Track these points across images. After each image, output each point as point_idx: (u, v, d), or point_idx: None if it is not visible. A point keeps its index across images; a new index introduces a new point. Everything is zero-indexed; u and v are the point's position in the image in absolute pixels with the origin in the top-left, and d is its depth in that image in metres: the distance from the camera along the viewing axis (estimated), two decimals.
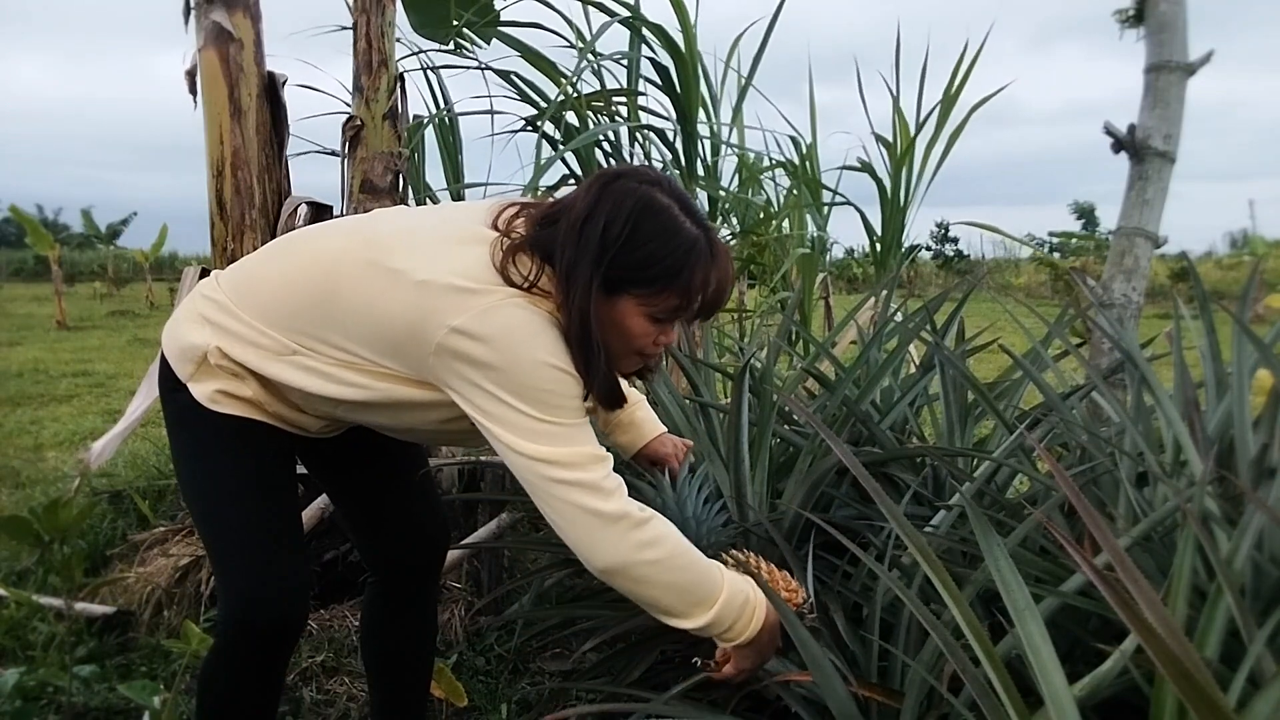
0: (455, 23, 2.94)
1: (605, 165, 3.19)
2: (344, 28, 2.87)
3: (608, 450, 1.18)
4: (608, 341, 1.17)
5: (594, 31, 2.87)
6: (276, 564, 1.28)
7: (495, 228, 1.20)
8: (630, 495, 1.18)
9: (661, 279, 1.16)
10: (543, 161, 2.71)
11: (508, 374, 1.11)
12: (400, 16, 2.93)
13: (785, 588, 1.33)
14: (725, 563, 1.36)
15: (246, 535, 1.28)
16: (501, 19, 2.97)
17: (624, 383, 1.42)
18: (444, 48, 3.12)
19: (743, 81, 3.31)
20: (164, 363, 1.30)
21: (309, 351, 1.21)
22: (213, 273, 1.35)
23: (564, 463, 1.12)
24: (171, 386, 1.28)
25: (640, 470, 1.56)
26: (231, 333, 1.23)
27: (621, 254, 1.14)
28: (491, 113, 3.01)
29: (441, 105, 3.30)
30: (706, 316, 1.29)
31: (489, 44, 3.08)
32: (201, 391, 1.24)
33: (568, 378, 1.14)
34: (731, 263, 1.24)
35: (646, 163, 3.13)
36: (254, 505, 1.29)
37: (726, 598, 1.18)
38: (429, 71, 3.19)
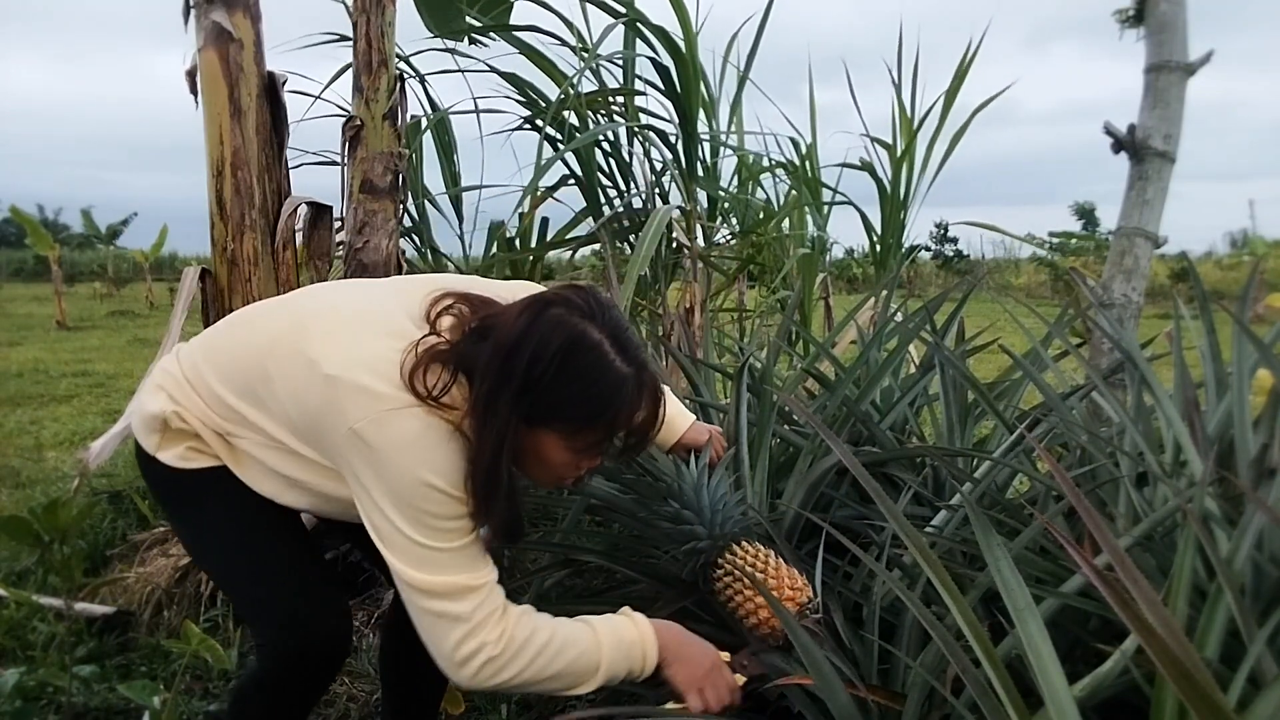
0: (473, 21, 2.94)
1: (605, 166, 3.19)
2: (342, 37, 2.88)
3: (493, 565, 1.18)
4: (525, 467, 1.16)
5: (592, 31, 2.88)
6: (310, 590, 1.28)
7: (426, 319, 1.17)
8: (646, 479, 1.17)
9: (582, 419, 1.12)
10: (543, 162, 2.71)
11: (391, 489, 1.10)
12: (410, 21, 2.94)
13: (791, 586, 1.33)
14: (735, 556, 1.37)
15: (270, 572, 1.28)
16: (508, 19, 2.98)
17: None
18: (447, 49, 3.12)
19: (739, 79, 3.31)
20: (136, 443, 1.31)
21: (242, 434, 1.23)
22: (175, 347, 1.36)
23: (432, 592, 1.11)
24: (146, 461, 1.29)
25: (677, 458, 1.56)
26: (184, 407, 1.25)
27: (545, 393, 1.09)
28: (479, 112, 3.02)
29: (440, 106, 3.30)
30: (632, 454, 1.27)
31: (497, 40, 3.08)
32: (172, 455, 1.25)
33: (451, 501, 1.11)
34: (661, 400, 1.21)
35: (646, 162, 3.13)
36: (267, 541, 1.29)
37: (609, 663, 1.19)
38: (420, 76, 3.19)
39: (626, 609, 1.28)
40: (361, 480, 1.12)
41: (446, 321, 1.17)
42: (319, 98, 2.93)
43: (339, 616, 1.29)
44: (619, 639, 1.21)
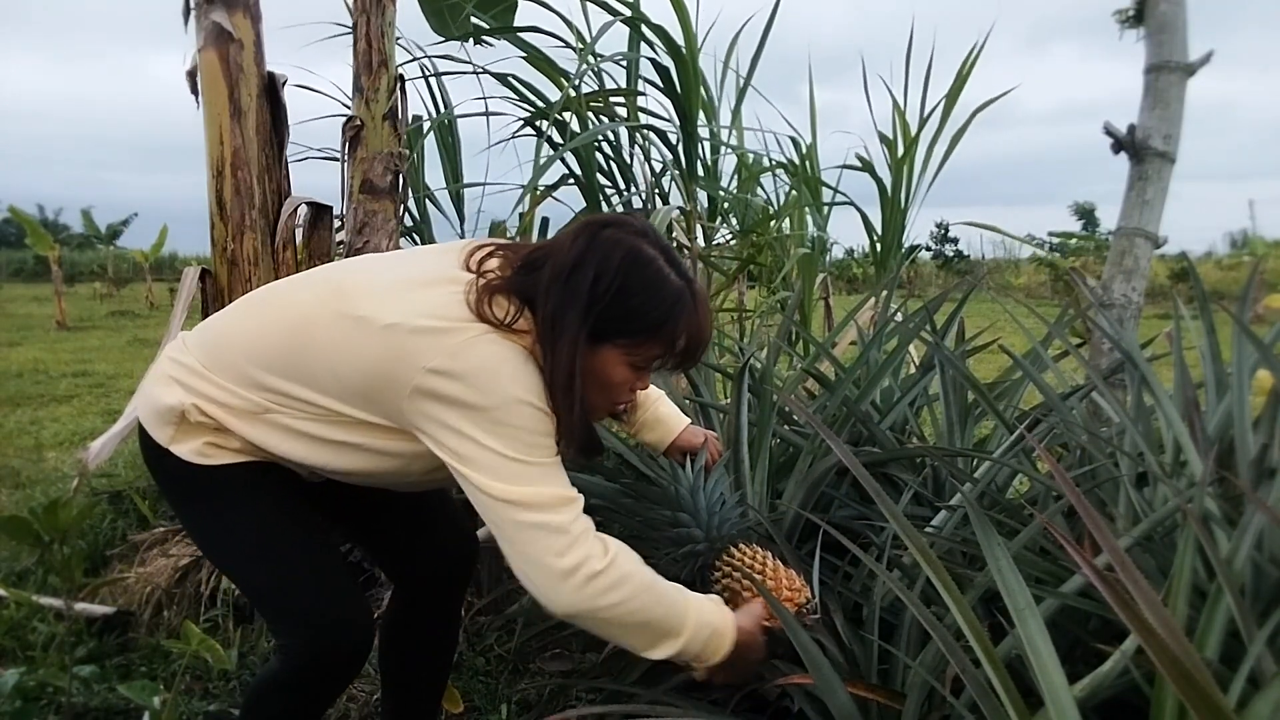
0: (477, 23, 2.94)
1: (605, 166, 3.19)
2: (343, 29, 2.89)
3: (579, 491, 1.18)
4: (586, 390, 1.17)
5: (593, 31, 2.87)
6: (334, 591, 1.27)
7: (468, 269, 1.20)
8: (644, 482, 1.18)
9: (646, 330, 1.18)
10: (542, 162, 2.71)
11: (483, 411, 1.11)
12: (411, 21, 2.94)
13: (789, 587, 1.33)
14: (733, 558, 1.37)
15: (294, 573, 1.26)
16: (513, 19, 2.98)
17: None
18: (446, 51, 3.13)
19: (741, 81, 3.31)
20: (144, 434, 1.27)
21: (281, 409, 1.21)
22: (180, 335, 1.33)
23: (531, 504, 1.11)
24: (157, 455, 1.25)
25: (662, 463, 1.57)
26: (204, 394, 1.22)
27: (610, 306, 1.14)
28: (488, 113, 3.02)
29: (442, 107, 3.30)
30: (687, 365, 1.30)
31: (498, 42, 3.09)
32: (188, 449, 1.22)
33: (542, 415, 1.14)
34: (710, 312, 1.26)
35: (646, 163, 3.13)
36: (288, 541, 1.27)
37: (692, 632, 1.19)
38: (429, 74, 3.19)
39: (718, 598, 1.28)
40: (440, 419, 1.12)
41: (493, 263, 1.20)
42: (332, 98, 2.94)
43: (363, 616, 1.28)
44: (704, 620, 1.21)
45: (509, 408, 1.11)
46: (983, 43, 3.47)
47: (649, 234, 1.20)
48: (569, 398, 1.15)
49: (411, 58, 3.12)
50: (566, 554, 1.11)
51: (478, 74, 3.00)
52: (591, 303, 1.13)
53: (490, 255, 1.21)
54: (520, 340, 1.15)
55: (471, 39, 3.06)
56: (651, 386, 1.58)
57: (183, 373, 1.24)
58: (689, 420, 1.60)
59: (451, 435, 1.12)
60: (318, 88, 3.07)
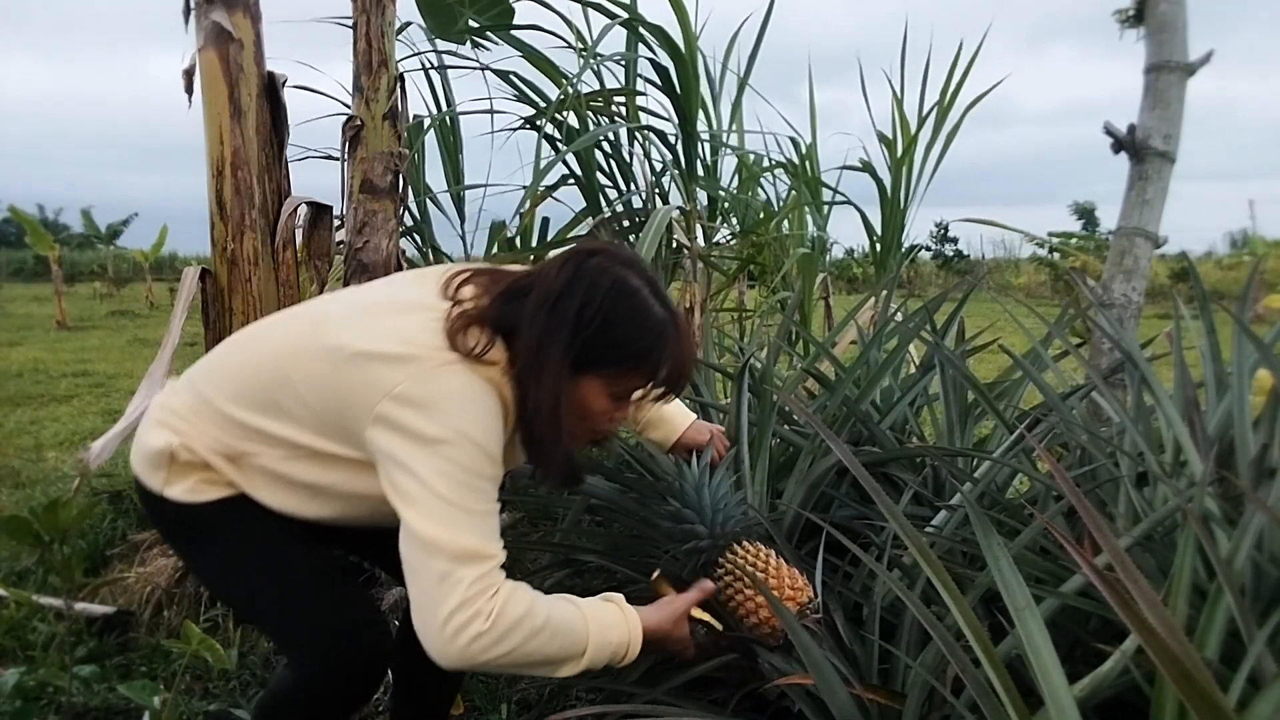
0: (474, 24, 2.94)
1: (605, 166, 3.19)
2: (343, 20, 2.88)
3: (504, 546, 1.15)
4: (566, 420, 1.16)
5: (592, 31, 2.88)
6: (347, 607, 1.26)
7: (445, 296, 1.19)
8: (651, 476, 1.16)
9: (630, 361, 1.17)
10: (543, 164, 2.71)
11: (432, 445, 1.09)
12: (413, 16, 2.95)
13: (791, 586, 1.33)
14: (736, 555, 1.37)
15: (304, 595, 1.25)
16: (511, 20, 2.99)
17: None
18: (448, 49, 3.12)
19: (740, 80, 3.31)
20: (140, 487, 1.28)
21: (257, 449, 1.21)
22: (169, 382, 1.35)
23: (444, 551, 1.08)
24: (154, 503, 1.25)
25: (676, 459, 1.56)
26: (189, 436, 1.23)
27: (595, 336, 1.14)
28: (492, 112, 3.02)
29: (443, 106, 3.30)
30: (668, 398, 1.29)
31: (498, 43, 3.09)
32: (181, 490, 1.23)
33: (488, 459, 1.12)
34: (693, 343, 1.26)
35: (646, 162, 3.13)
36: (293, 564, 1.27)
37: (592, 654, 1.17)
38: (431, 72, 3.19)
39: (620, 599, 1.25)
40: (392, 452, 1.10)
41: (469, 290, 1.20)
42: (334, 98, 2.93)
43: (379, 629, 1.27)
44: (606, 638, 1.19)
45: (458, 444, 1.09)
46: (979, 44, 3.47)
47: (635, 264, 1.19)
48: (554, 427, 1.14)
49: (414, 52, 3.13)
50: (457, 612, 1.08)
51: (482, 70, 3.00)
52: (576, 330, 1.13)
53: (466, 281, 1.20)
54: (488, 372, 1.14)
55: (470, 41, 3.06)
56: None
57: (170, 417, 1.26)
58: (695, 416, 1.59)
59: (399, 470, 1.11)
60: (318, 87, 3.07)
